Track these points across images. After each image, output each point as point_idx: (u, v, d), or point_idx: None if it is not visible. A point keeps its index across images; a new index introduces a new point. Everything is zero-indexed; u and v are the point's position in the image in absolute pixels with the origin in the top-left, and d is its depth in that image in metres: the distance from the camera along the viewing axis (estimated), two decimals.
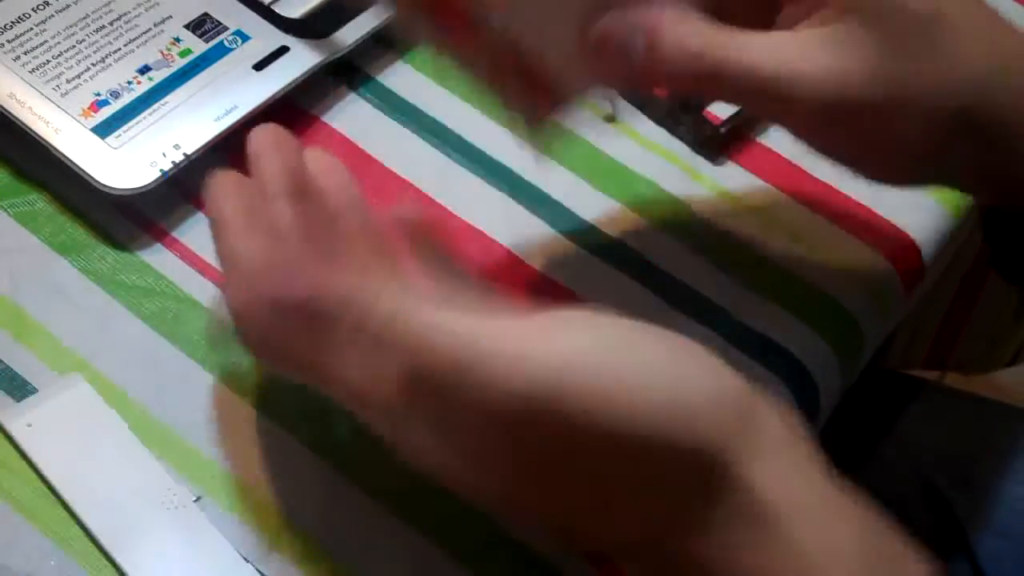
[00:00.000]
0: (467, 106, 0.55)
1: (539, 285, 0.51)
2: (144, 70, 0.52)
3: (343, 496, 0.45)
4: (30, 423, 0.45)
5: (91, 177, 0.49)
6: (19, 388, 0.46)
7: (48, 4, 0.54)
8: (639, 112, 0.56)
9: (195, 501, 0.44)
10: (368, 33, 0.55)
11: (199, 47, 0.53)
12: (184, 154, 0.50)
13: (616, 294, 0.50)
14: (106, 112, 0.51)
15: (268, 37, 0.54)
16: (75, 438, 0.45)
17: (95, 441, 0.45)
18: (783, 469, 0.35)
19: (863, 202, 0.54)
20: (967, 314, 0.72)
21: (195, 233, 0.51)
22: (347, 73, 0.56)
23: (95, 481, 0.44)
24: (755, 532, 0.35)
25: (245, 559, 0.43)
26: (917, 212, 0.54)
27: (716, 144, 0.55)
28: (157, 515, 0.43)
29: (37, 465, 0.44)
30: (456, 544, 0.44)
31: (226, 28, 0.54)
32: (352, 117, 0.55)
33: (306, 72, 0.53)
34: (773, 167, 0.55)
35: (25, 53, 0.52)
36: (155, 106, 0.51)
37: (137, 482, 0.44)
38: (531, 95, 0.43)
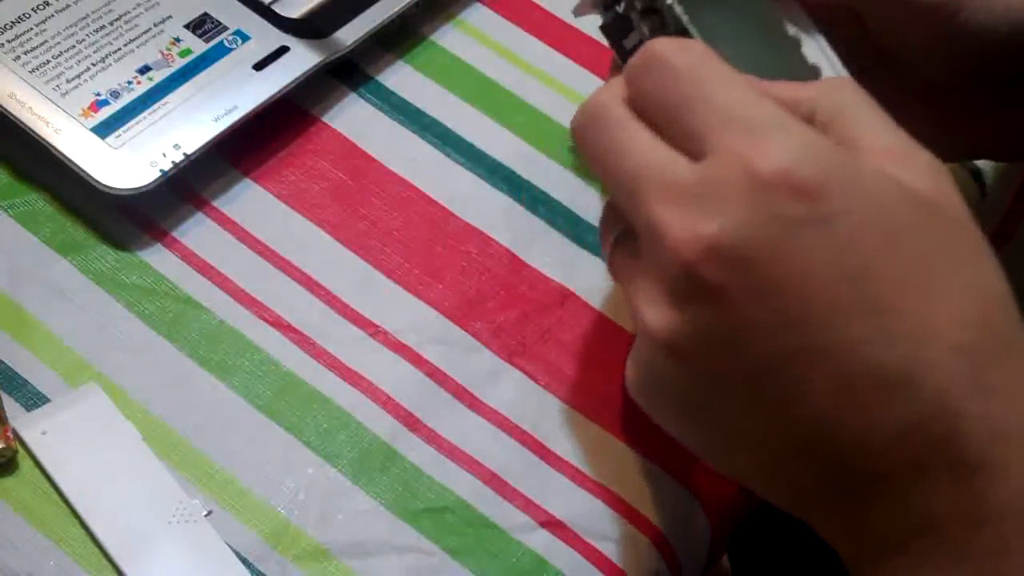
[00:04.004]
0: (467, 106, 0.55)
1: (539, 285, 0.51)
2: (144, 70, 0.52)
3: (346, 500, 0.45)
4: (45, 431, 0.45)
5: (91, 177, 0.49)
6: (19, 388, 0.46)
7: (48, 4, 0.54)
8: None
9: (206, 516, 0.44)
10: (368, 33, 0.55)
11: (199, 47, 0.53)
12: (184, 154, 0.50)
13: (618, 293, 0.50)
14: (106, 112, 0.51)
15: (268, 37, 0.54)
16: (89, 448, 0.45)
17: (109, 452, 0.45)
18: None
19: None
20: None
21: (195, 233, 0.51)
22: (347, 73, 0.56)
23: (107, 492, 0.44)
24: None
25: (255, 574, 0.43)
26: None
27: None
28: (166, 529, 0.43)
29: (50, 473, 0.44)
30: (456, 544, 0.44)
31: (226, 28, 0.54)
32: (352, 117, 0.55)
33: (306, 72, 0.53)
34: None
35: (25, 53, 0.52)
36: (155, 106, 0.51)
37: (148, 494, 0.44)
38: None
